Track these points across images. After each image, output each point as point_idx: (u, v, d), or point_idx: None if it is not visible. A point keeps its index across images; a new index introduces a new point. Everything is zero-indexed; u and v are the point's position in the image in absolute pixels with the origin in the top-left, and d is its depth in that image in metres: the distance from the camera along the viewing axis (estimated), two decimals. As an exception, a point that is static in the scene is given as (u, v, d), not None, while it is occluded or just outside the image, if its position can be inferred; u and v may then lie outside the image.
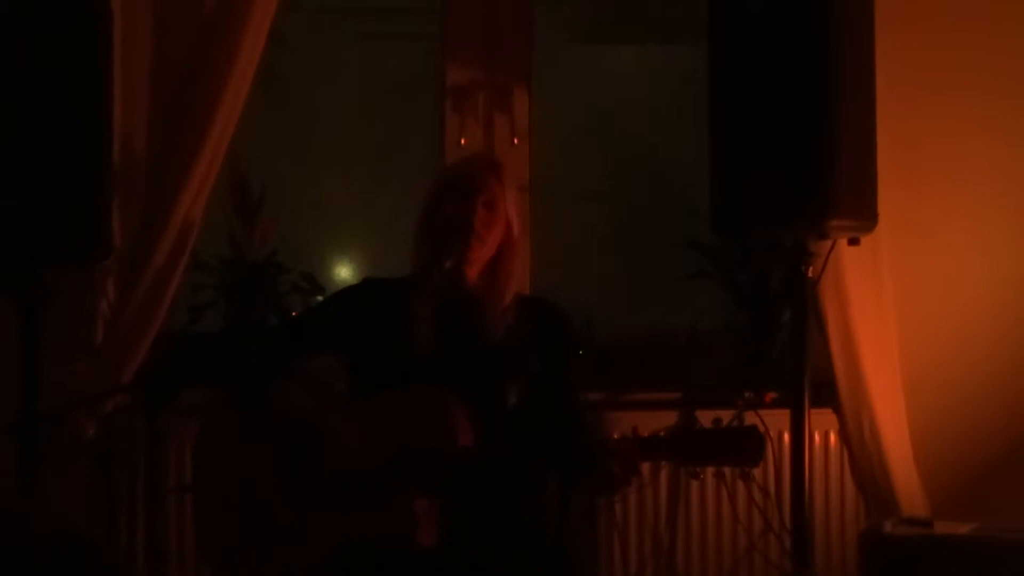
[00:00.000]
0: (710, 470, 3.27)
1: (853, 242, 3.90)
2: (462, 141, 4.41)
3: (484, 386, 3.38)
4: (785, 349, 4.19)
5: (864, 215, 3.79)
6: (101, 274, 4.03)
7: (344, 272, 4.85)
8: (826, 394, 4.16)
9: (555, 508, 3.61)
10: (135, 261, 4.03)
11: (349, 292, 3.62)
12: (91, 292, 4.05)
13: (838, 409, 4.20)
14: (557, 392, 3.47)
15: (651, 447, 3.26)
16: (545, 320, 3.53)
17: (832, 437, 4.28)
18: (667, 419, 4.23)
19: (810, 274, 3.89)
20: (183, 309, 4.33)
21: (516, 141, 4.45)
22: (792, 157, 3.69)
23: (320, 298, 4.35)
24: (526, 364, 3.44)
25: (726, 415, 4.15)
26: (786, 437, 4.03)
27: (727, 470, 4.00)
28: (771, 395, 4.24)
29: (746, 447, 3.16)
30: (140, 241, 4.04)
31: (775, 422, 4.10)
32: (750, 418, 4.16)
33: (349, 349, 3.50)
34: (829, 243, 3.94)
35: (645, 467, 3.35)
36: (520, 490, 3.42)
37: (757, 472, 4.13)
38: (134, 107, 4.07)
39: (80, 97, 3.74)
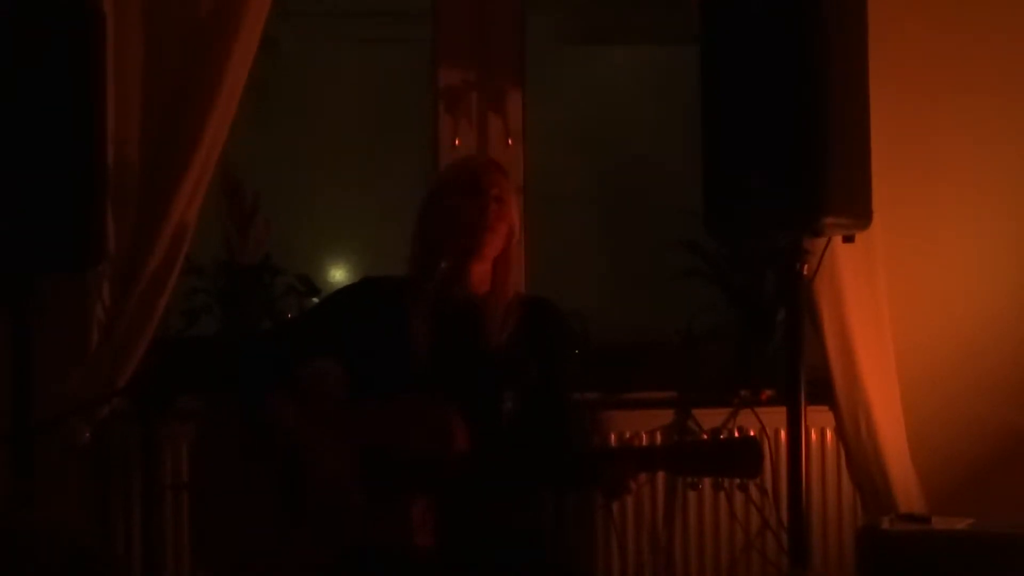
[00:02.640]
0: (708, 481, 3.27)
1: (848, 240, 3.90)
2: (456, 142, 4.41)
3: (481, 392, 3.37)
4: (780, 347, 4.19)
5: (859, 212, 3.79)
6: (95, 279, 4.02)
7: (339, 274, 4.85)
8: (822, 392, 4.15)
9: (551, 511, 3.61)
10: (129, 266, 4.02)
11: (347, 293, 3.59)
12: (86, 298, 4.04)
13: (834, 406, 4.20)
14: (555, 398, 3.46)
15: (648, 458, 3.25)
16: (545, 323, 3.51)
17: (829, 435, 4.28)
18: (663, 418, 4.23)
19: (805, 272, 3.89)
20: (178, 314, 4.33)
21: (510, 142, 4.45)
22: (786, 154, 3.69)
23: (316, 300, 4.35)
24: (525, 371, 3.42)
25: (722, 413, 4.18)
26: (783, 435, 4.03)
27: (725, 480, 4.00)
28: (767, 393, 4.24)
29: (744, 459, 3.15)
30: (134, 246, 4.03)
31: (772, 420, 4.12)
32: (746, 416, 4.18)
33: (346, 352, 3.49)
34: (824, 241, 3.94)
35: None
36: (515, 494, 3.41)
37: (754, 470, 4.14)
38: (127, 112, 4.06)
39: (73, 103, 3.74)
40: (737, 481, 3.18)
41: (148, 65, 4.10)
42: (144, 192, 4.06)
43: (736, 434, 4.06)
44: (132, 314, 4.01)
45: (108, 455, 4.07)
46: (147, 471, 3.75)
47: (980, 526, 3.80)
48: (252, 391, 3.43)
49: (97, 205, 3.83)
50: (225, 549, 3.46)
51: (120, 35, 4.04)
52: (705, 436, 3.24)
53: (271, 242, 4.42)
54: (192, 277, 4.33)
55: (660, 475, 4.21)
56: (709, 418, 4.17)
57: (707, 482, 3.23)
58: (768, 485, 4.19)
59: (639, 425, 4.24)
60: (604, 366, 4.34)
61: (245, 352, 3.63)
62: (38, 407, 3.82)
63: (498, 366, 3.41)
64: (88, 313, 4.04)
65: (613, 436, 4.23)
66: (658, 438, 4.21)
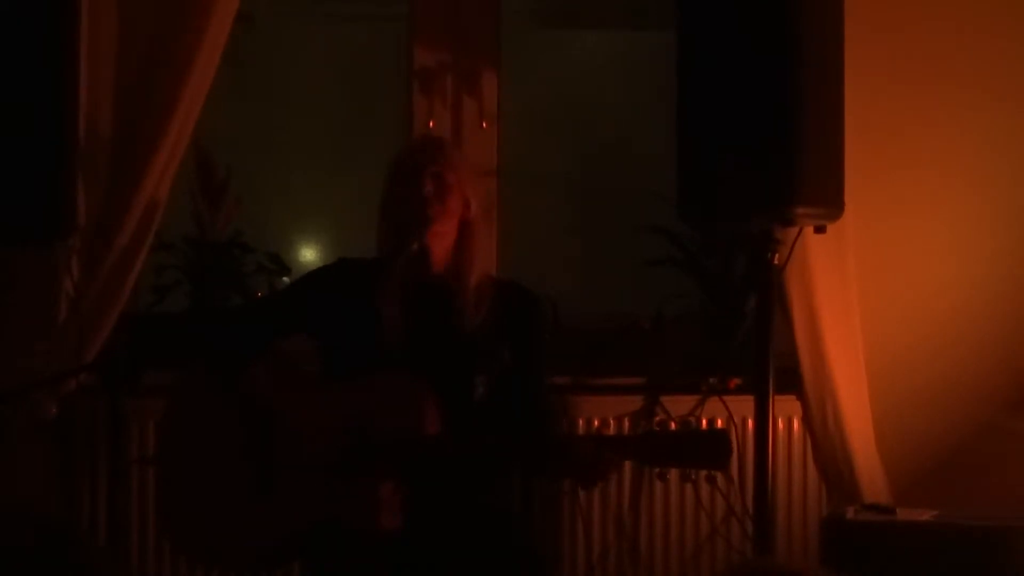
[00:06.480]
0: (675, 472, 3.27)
1: (819, 230, 3.90)
2: (430, 124, 4.40)
3: (453, 375, 3.36)
4: (750, 336, 4.19)
5: (831, 203, 3.79)
6: (64, 253, 3.99)
7: (309, 254, 4.84)
8: (790, 381, 4.17)
9: (518, 494, 3.61)
10: (99, 240, 4.00)
11: (321, 274, 3.59)
12: (54, 271, 4.01)
13: (802, 396, 4.21)
14: (526, 383, 3.46)
15: (616, 448, 3.25)
16: (519, 308, 3.50)
17: (796, 424, 4.29)
18: (631, 404, 4.24)
19: (776, 261, 3.89)
20: (147, 289, 4.31)
21: (484, 125, 4.43)
22: (759, 144, 3.68)
23: (286, 279, 4.34)
24: (497, 355, 3.41)
25: (690, 401, 4.19)
26: (750, 423, 4.03)
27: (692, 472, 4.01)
28: (735, 381, 4.25)
29: (713, 451, 3.15)
30: (104, 220, 4.00)
31: (739, 408, 4.13)
32: (714, 404, 4.19)
33: (319, 332, 3.48)
34: (795, 230, 3.94)
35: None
36: (484, 478, 3.41)
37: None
38: (100, 85, 4.03)
39: (45, 75, 3.69)
40: (705, 473, 3.18)
41: (122, 37, 4.07)
42: (115, 165, 4.04)
43: (704, 424, 4.09)
44: (101, 288, 3.99)
45: (75, 430, 4.05)
46: (114, 447, 3.73)
47: (944, 518, 3.82)
48: (229, 361, 3.42)
49: (67, 177, 3.79)
50: (190, 523, 3.45)
51: (94, 5, 4.00)
52: (673, 424, 3.24)
53: (242, 220, 4.41)
54: (162, 253, 4.31)
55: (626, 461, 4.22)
56: (677, 405, 4.18)
57: (675, 472, 3.23)
58: (734, 473, 4.19)
59: (607, 411, 4.24)
60: (573, 350, 4.33)
61: (220, 325, 3.62)
62: (4, 380, 3.79)
63: (471, 350, 3.40)
64: (56, 287, 4.01)
65: (581, 421, 4.23)
66: (626, 424, 4.22)
